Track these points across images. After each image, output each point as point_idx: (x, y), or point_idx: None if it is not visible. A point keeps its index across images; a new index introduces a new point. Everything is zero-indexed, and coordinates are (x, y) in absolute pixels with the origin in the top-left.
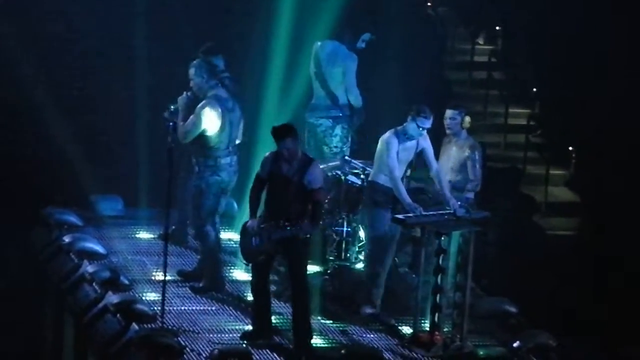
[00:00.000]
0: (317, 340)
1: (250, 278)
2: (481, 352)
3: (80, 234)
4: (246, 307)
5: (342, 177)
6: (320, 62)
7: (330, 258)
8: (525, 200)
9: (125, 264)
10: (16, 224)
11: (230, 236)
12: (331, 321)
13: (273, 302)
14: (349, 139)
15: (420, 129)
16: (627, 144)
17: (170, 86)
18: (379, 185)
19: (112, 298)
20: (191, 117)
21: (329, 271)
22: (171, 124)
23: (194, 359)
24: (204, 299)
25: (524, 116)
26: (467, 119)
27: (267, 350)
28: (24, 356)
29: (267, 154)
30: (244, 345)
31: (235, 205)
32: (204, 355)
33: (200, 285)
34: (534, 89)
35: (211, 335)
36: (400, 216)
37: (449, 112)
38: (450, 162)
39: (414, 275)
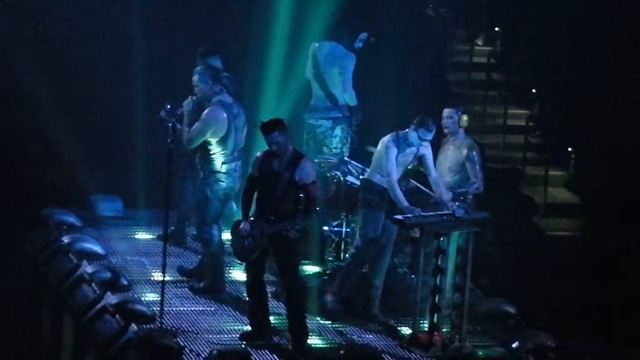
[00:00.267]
0: (315, 341)
1: None
2: (480, 353)
3: (80, 234)
4: (245, 308)
5: (341, 178)
6: (319, 63)
7: (329, 258)
8: (524, 201)
9: (124, 264)
10: (15, 225)
11: (229, 237)
12: (330, 321)
13: (271, 302)
14: (349, 140)
15: (421, 139)
16: (626, 145)
17: (169, 87)
18: (374, 184)
19: (111, 298)
20: (196, 124)
21: (327, 272)
22: (170, 124)
23: None
24: (202, 299)
25: (523, 117)
26: (465, 117)
27: (266, 350)
28: (22, 357)
29: (258, 154)
30: (243, 345)
31: (235, 205)
32: (202, 355)
33: (201, 285)
34: (533, 90)
35: (210, 336)
36: (399, 217)
37: (446, 111)
38: (448, 162)
39: (413, 276)
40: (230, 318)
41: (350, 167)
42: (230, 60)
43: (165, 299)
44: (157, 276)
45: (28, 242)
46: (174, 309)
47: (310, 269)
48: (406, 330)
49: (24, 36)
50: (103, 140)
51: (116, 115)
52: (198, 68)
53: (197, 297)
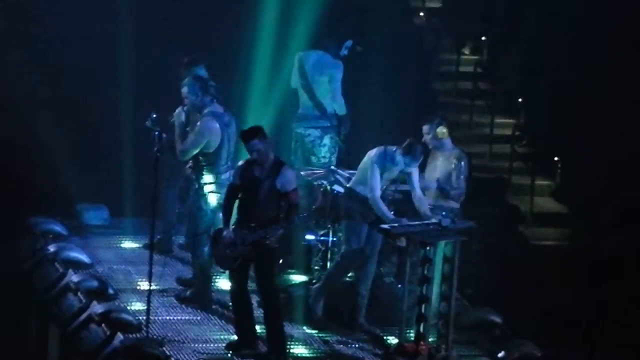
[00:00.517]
0: (301, 350)
1: None
2: None
3: (66, 243)
4: (231, 317)
5: (328, 187)
6: (307, 72)
7: (316, 268)
8: (510, 210)
9: (111, 273)
10: (1, 233)
11: None
12: (316, 331)
13: (257, 311)
14: (337, 149)
15: (407, 165)
16: (612, 155)
17: (157, 96)
18: (357, 194)
19: (97, 308)
20: (190, 135)
21: (314, 281)
22: (156, 132)
23: None
24: (189, 308)
25: (509, 126)
26: (439, 129)
27: None
28: None
29: (240, 162)
30: (229, 355)
31: None
32: None
33: (187, 294)
34: (520, 99)
35: (196, 345)
36: (385, 226)
37: (425, 128)
38: (437, 172)
39: (399, 285)
40: (217, 327)
41: (338, 176)
42: (218, 69)
43: (151, 308)
44: (144, 285)
45: (14, 251)
46: (160, 318)
47: (296, 278)
48: (392, 340)
49: (8, 38)
50: (89, 149)
51: (101, 124)
52: (186, 80)
53: (183, 306)
